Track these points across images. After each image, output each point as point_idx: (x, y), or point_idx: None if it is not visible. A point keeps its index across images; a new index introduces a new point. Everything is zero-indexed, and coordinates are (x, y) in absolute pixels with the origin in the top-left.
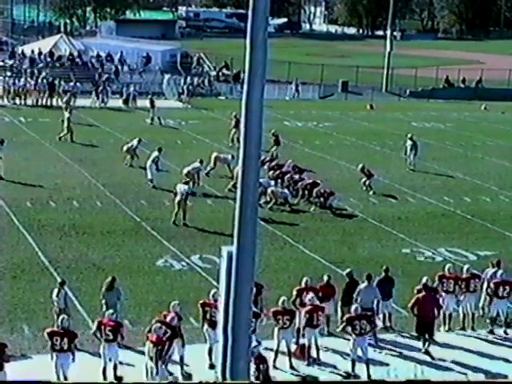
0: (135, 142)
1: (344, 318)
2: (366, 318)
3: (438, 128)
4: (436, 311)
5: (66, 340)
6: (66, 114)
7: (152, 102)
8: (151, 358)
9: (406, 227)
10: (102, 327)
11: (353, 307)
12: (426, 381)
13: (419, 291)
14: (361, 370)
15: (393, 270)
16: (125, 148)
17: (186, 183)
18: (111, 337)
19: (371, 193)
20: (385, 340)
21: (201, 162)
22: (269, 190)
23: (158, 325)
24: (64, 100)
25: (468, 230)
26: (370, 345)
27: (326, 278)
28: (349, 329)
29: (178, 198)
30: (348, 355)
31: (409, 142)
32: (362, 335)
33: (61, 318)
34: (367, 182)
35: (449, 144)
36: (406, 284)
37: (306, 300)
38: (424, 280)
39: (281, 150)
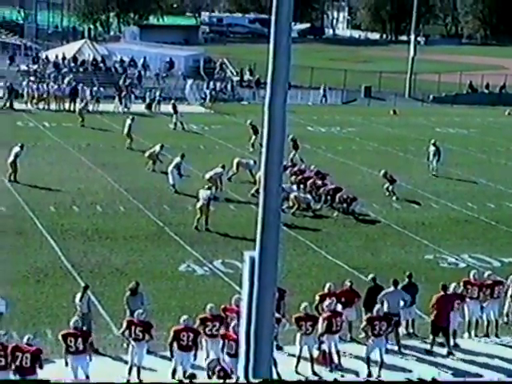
0: (158, 147)
1: (365, 317)
2: (386, 320)
3: (462, 134)
4: (451, 317)
5: (80, 340)
6: (128, 121)
7: (175, 107)
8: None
9: (430, 233)
10: (133, 327)
11: (375, 308)
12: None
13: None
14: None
15: (416, 276)
16: (147, 154)
17: (209, 188)
18: (141, 336)
19: (394, 198)
20: (408, 346)
21: (223, 167)
22: (292, 196)
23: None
24: (81, 105)
25: (492, 236)
26: (392, 351)
27: (348, 283)
28: (368, 329)
29: (200, 203)
30: (372, 362)
31: (432, 148)
32: (380, 336)
33: (73, 319)
34: (390, 188)
35: (472, 150)
36: (429, 290)
37: (323, 306)
38: (452, 286)
39: (303, 155)
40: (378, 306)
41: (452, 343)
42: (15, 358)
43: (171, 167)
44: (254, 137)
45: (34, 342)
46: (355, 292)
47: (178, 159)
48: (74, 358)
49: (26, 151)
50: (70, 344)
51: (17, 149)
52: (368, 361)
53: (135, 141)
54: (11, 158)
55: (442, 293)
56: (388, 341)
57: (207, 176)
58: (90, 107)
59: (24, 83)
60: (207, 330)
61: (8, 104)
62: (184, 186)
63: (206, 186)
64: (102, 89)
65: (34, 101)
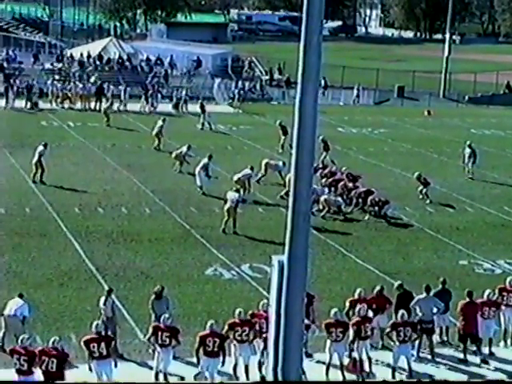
0: (185, 148)
1: (389, 324)
2: (411, 326)
3: (498, 135)
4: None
5: (103, 345)
6: (160, 122)
7: (202, 107)
8: None
9: (464, 238)
10: (159, 332)
11: (399, 313)
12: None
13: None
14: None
15: (450, 282)
16: (174, 154)
17: (237, 191)
18: (167, 342)
19: (428, 202)
20: (441, 354)
21: (251, 168)
22: (322, 198)
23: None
24: (107, 105)
25: None
26: (425, 359)
27: (378, 288)
28: (393, 335)
29: (227, 205)
30: (401, 369)
31: (467, 150)
32: (405, 342)
33: (95, 323)
34: (424, 191)
35: (509, 152)
36: (464, 297)
37: (354, 312)
38: (486, 292)
39: (334, 156)
40: (401, 312)
41: (487, 352)
42: (42, 362)
43: (198, 168)
44: (283, 137)
45: (61, 344)
46: (386, 298)
47: (205, 160)
48: (98, 364)
49: (50, 151)
50: (93, 349)
51: (40, 148)
52: (393, 369)
53: (162, 141)
54: (35, 158)
55: (468, 299)
56: (414, 347)
57: (235, 178)
58: (115, 106)
59: (48, 82)
60: (237, 335)
61: (29, 104)
62: (211, 187)
63: (234, 188)
64: (128, 88)
65: (59, 100)
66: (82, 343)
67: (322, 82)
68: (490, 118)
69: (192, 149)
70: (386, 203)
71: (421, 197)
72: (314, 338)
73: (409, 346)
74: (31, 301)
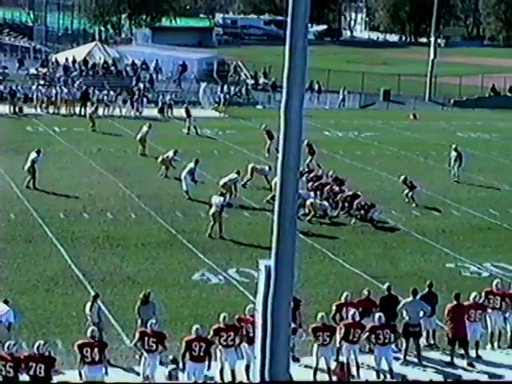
0: (171, 153)
1: (367, 328)
2: (389, 328)
3: (484, 138)
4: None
5: (96, 350)
6: (145, 128)
7: (188, 112)
8: None
9: (451, 241)
10: (146, 338)
11: (376, 316)
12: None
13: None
14: None
15: (436, 286)
16: (160, 159)
17: (222, 195)
18: (154, 347)
19: (414, 205)
20: (428, 358)
21: (238, 172)
22: (308, 202)
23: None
24: (91, 110)
25: None
26: (412, 363)
27: (365, 292)
28: (372, 338)
29: (212, 210)
30: (385, 371)
31: (453, 153)
32: (385, 345)
33: (90, 328)
34: (410, 194)
35: (495, 155)
36: (451, 300)
37: (348, 315)
38: (473, 295)
39: (320, 160)
40: (378, 314)
41: (474, 355)
42: (29, 368)
43: (184, 173)
44: (269, 142)
45: (47, 348)
46: (373, 301)
47: (191, 165)
48: (90, 369)
49: (38, 156)
50: (85, 354)
51: (34, 155)
52: (377, 372)
53: (148, 146)
54: (28, 164)
55: (455, 302)
56: (401, 351)
57: (222, 182)
58: (101, 111)
59: (33, 87)
60: (222, 340)
61: (12, 109)
62: (197, 192)
63: (219, 193)
64: (111, 92)
65: (44, 105)
66: (75, 347)
67: (316, 86)
68: (476, 121)
69: (178, 154)
70: (372, 207)
71: (407, 200)
72: (301, 343)
73: (389, 348)
74: (17, 307)
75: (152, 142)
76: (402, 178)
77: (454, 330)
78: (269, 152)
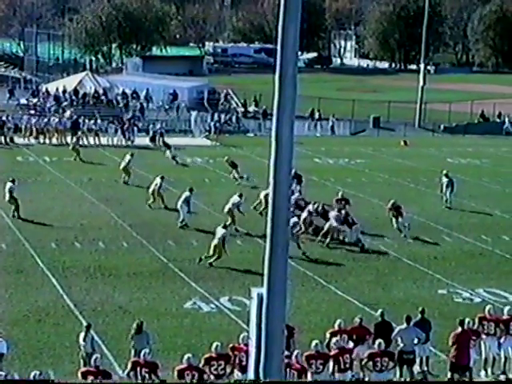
0: (158, 179)
1: (366, 354)
2: (388, 355)
3: (474, 164)
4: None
5: (100, 379)
6: (128, 157)
7: (166, 144)
8: None
9: (443, 267)
10: (138, 368)
11: (376, 342)
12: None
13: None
14: None
15: (429, 312)
16: (151, 190)
17: (225, 227)
18: (147, 377)
19: (403, 236)
20: None
21: (240, 196)
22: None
23: None
24: (74, 141)
25: (507, 270)
26: None
27: (357, 319)
28: (370, 365)
29: (215, 241)
30: None
31: (444, 179)
32: (382, 372)
33: (94, 356)
34: (395, 226)
35: (486, 181)
36: (443, 326)
37: (331, 344)
38: (466, 321)
39: (312, 188)
40: (378, 341)
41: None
42: None
43: (180, 202)
44: (233, 171)
45: (43, 376)
46: (366, 328)
47: (187, 193)
48: None
49: (25, 186)
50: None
51: (9, 185)
52: None
53: (138, 175)
54: (7, 195)
55: (460, 329)
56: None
57: (226, 209)
58: (91, 140)
59: (24, 117)
60: (213, 369)
61: (3, 139)
62: (190, 220)
63: (222, 224)
64: (99, 121)
65: (33, 135)
66: (79, 375)
67: (317, 114)
68: (466, 147)
69: (169, 181)
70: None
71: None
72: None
73: (386, 375)
74: (9, 338)
75: (142, 170)
76: (390, 203)
77: (458, 357)
78: (241, 178)
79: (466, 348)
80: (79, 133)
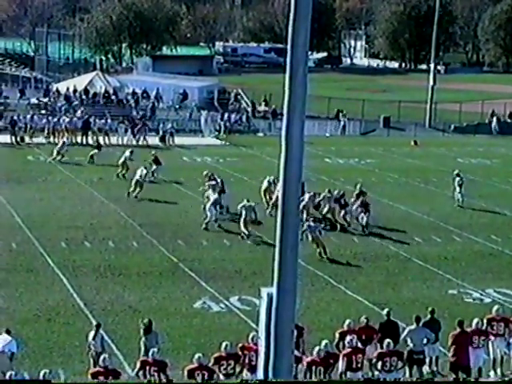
0: (127, 152)
1: (375, 354)
2: (397, 355)
3: (485, 164)
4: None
5: (110, 379)
6: (127, 153)
7: (157, 160)
8: None
9: (453, 267)
10: (147, 367)
11: (385, 342)
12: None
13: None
14: None
15: (439, 312)
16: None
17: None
18: (156, 377)
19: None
20: None
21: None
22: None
23: None
24: (58, 147)
25: None
26: None
27: (364, 319)
28: (379, 365)
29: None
30: None
31: (457, 179)
32: (391, 372)
33: (102, 356)
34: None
35: (496, 181)
36: (453, 327)
37: (345, 342)
38: (475, 322)
39: (322, 188)
40: (387, 341)
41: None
42: None
43: (209, 204)
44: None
45: (52, 375)
46: (373, 328)
47: (215, 196)
48: None
49: (37, 186)
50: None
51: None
52: None
53: (128, 171)
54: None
55: (459, 329)
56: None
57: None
58: (100, 139)
59: (35, 117)
60: (222, 369)
61: (14, 139)
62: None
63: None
64: (109, 120)
65: (45, 134)
66: (89, 376)
67: (341, 114)
68: (476, 147)
69: (164, 170)
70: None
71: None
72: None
73: (394, 376)
74: (19, 337)
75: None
76: (360, 200)
77: (458, 358)
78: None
79: (466, 348)
80: (128, 153)
